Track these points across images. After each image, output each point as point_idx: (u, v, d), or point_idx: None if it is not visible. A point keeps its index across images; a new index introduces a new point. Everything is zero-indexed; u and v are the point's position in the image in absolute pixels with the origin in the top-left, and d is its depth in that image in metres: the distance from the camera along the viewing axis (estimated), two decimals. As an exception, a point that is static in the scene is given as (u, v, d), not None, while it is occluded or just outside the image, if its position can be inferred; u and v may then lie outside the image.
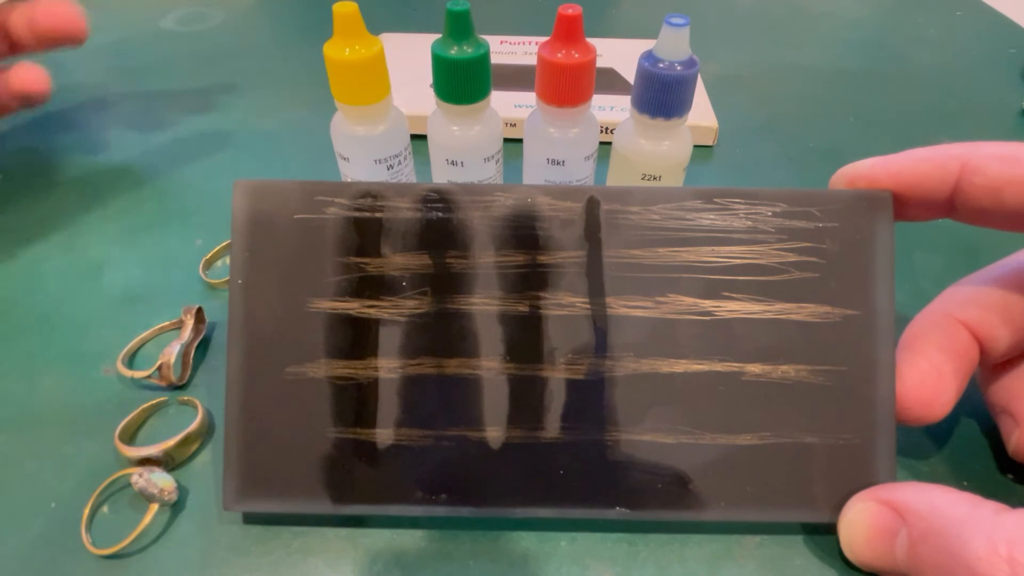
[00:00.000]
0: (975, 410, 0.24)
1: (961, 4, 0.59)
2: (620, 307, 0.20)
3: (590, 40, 0.26)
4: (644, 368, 0.20)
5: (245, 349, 0.20)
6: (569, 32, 0.25)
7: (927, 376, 0.20)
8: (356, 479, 0.20)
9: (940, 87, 0.46)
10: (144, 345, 0.27)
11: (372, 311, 0.21)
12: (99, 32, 0.35)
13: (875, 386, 0.20)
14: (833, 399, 0.20)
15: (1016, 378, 0.21)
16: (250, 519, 0.21)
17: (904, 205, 0.20)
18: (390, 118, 0.28)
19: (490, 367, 0.20)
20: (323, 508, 0.20)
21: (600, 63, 0.43)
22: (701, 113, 0.39)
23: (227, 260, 0.31)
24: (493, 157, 0.29)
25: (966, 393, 0.23)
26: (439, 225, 0.21)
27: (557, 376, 0.20)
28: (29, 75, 0.32)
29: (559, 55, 0.25)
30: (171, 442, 0.22)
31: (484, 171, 0.29)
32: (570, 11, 0.25)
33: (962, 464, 0.23)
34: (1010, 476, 0.23)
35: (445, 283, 0.21)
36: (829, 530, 0.21)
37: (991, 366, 0.22)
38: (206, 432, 0.24)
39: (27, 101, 0.32)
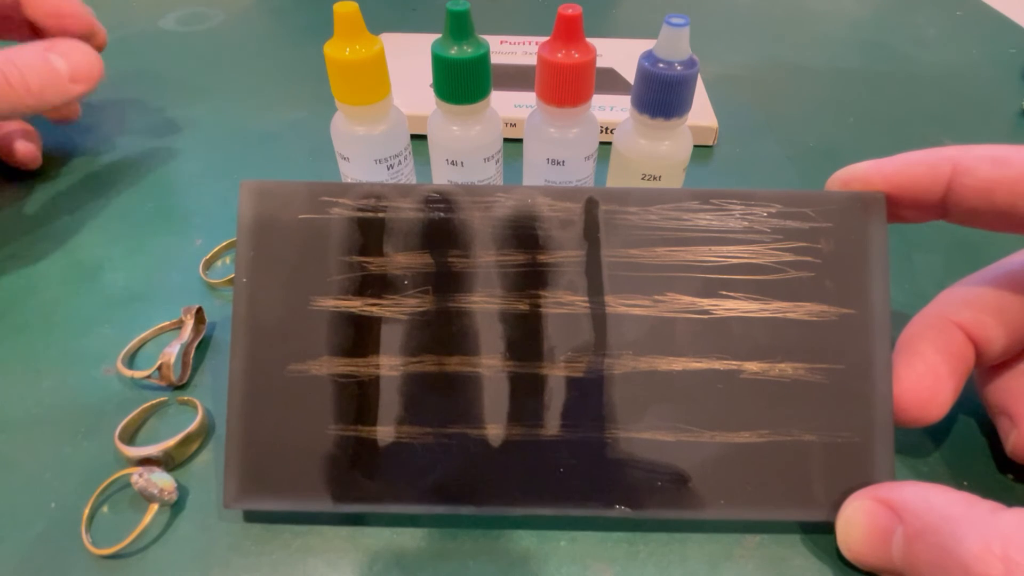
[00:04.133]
0: (974, 410, 0.24)
1: (961, 4, 0.59)
2: (619, 306, 0.20)
3: (590, 40, 0.26)
4: (643, 366, 0.20)
5: (248, 346, 0.20)
6: (569, 32, 0.25)
7: (924, 378, 0.20)
8: (357, 477, 0.20)
9: (940, 87, 0.46)
10: (144, 345, 0.27)
11: (374, 309, 0.21)
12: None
13: (872, 384, 0.20)
14: (831, 397, 0.20)
15: (1013, 378, 0.21)
16: (250, 518, 0.21)
17: (898, 207, 0.21)
18: (390, 118, 0.28)
19: (490, 365, 0.20)
20: (323, 506, 0.20)
21: (600, 63, 0.43)
22: (701, 113, 0.39)
23: (227, 260, 0.31)
24: (493, 157, 0.29)
25: (965, 392, 0.23)
26: (441, 225, 0.21)
27: (557, 374, 0.20)
28: (22, 149, 0.35)
29: (559, 55, 0.25)
30: (171, 442, 0.22)
31: (484, 171, 0.29)
32: (570, 11, 0.25)
33: (962, 464, 0.23)
34: (1009, 476, 0.23)
35: (446, 282, 0.21)
36: (828, 530, 0.21)
37: (988, 367, 0.22)
38: (206, 432, 0.24)
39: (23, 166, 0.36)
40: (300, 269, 0.21)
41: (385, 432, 0.20)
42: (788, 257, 0.20)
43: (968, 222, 0.20)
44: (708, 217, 0.21)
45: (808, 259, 0.20)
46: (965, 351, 0.20)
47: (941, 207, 0.20)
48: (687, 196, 0.21)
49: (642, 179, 0.28)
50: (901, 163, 0.20)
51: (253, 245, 0.21)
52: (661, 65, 0.25)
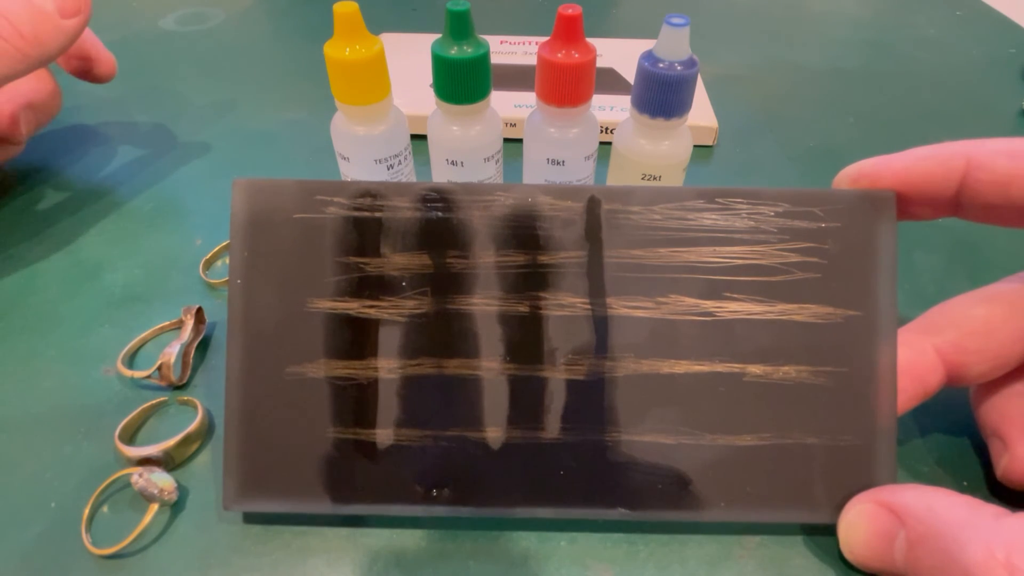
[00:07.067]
0: (975, 411, 0.24)
1: (961, 4, 0.59)
2: (621, 307, 0.20)
3: (590, 40, 0.26)
4: (645, 369, 0.20)
5: (245, 349, 0.20)
6: (569, 32, 0.25)
7: None
8: (356, 479, 0.20)
9: (940, 87, 0.46)
10: (144, 345, 0.27)
11: (372, 311, 0.21)
12: (99, 32, 0.35)
13: (876, 387, 0.20)
14: (834, 400, 0.20)
15: (1007, 400, 0.21)
16: (250, 519, 0.21)
17: (909, 203, 0.20)
18: (390, 118, 0.28)
19: (490, 367, 0.20)
20: (323, 508, 0.20)
21: (600, 63, 0.43)
22: (701, 113, 0.39)
23: (227, 260, 0.31)
24: (493, 157, 0.29)
25: (966, 396, 0.23)
26: (439, 225, 0.21)
27: (557, 376, 0.20)
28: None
29: (559, 55, 0.25)
30: (171, 442, 0.22)
31: (484, 171, 0.29)
32: (570, 11, 0.25)
33: (963, 467, 0.23)
34: (1010, 476, 0.23)
35: (445, 283, 0.21)
36: (829, 531, 0.21)
37: (982, 388, 0.22)
38: (206, 432, 0.24)
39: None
40: (296, 270, 0.20)
41: (384, 435, 0.20)
42: (794, 258, 0.20)
43: (982, 218, 0.20)
44: (713, 216, 0.20)
45: (815, 260, 0.20)
46: (927, 375, 0.20)
47: (954, 203, 0.19)
48: (692, 195, 0.20)
49: (642, 179, 0.28)
50: (912, 159, 0.20)
51: (247, 245, 0.20)
52: (661, 65, 0.25)
